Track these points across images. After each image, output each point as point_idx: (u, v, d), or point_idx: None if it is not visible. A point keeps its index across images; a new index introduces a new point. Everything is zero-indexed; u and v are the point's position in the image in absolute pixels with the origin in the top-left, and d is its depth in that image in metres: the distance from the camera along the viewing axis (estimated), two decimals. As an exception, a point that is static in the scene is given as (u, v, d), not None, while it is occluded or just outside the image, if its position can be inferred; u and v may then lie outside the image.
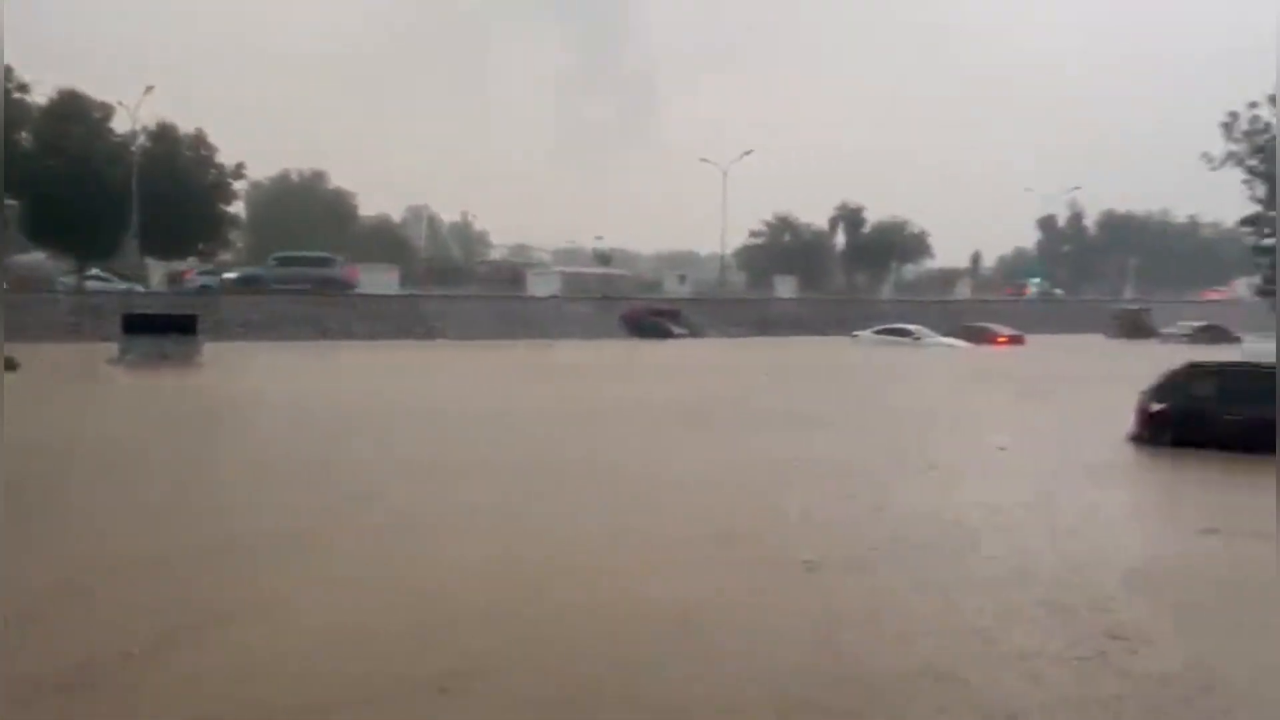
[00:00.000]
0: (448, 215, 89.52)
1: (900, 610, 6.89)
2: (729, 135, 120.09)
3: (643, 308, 49.42)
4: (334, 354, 32.98)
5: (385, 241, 68.23)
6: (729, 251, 77.11)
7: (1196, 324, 47.93)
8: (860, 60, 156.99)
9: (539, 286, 54.41)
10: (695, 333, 48.35)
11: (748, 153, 66.28)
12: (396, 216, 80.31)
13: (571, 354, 35.71)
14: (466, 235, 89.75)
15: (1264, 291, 45.42)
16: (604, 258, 79.62)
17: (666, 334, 46.47)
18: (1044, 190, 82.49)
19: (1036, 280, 76.43)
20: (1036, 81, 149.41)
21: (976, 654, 6.06)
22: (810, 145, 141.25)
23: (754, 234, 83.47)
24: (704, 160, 68.07)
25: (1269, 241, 44.26)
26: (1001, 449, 14.04)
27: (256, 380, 24.35)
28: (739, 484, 11.46)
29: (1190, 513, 10.62)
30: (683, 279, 65.18)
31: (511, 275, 60.07)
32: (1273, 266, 43.98)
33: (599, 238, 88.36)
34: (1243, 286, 60.97)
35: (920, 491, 11.17)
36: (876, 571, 7.88)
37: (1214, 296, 74.66)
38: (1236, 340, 45.50)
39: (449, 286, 52.71)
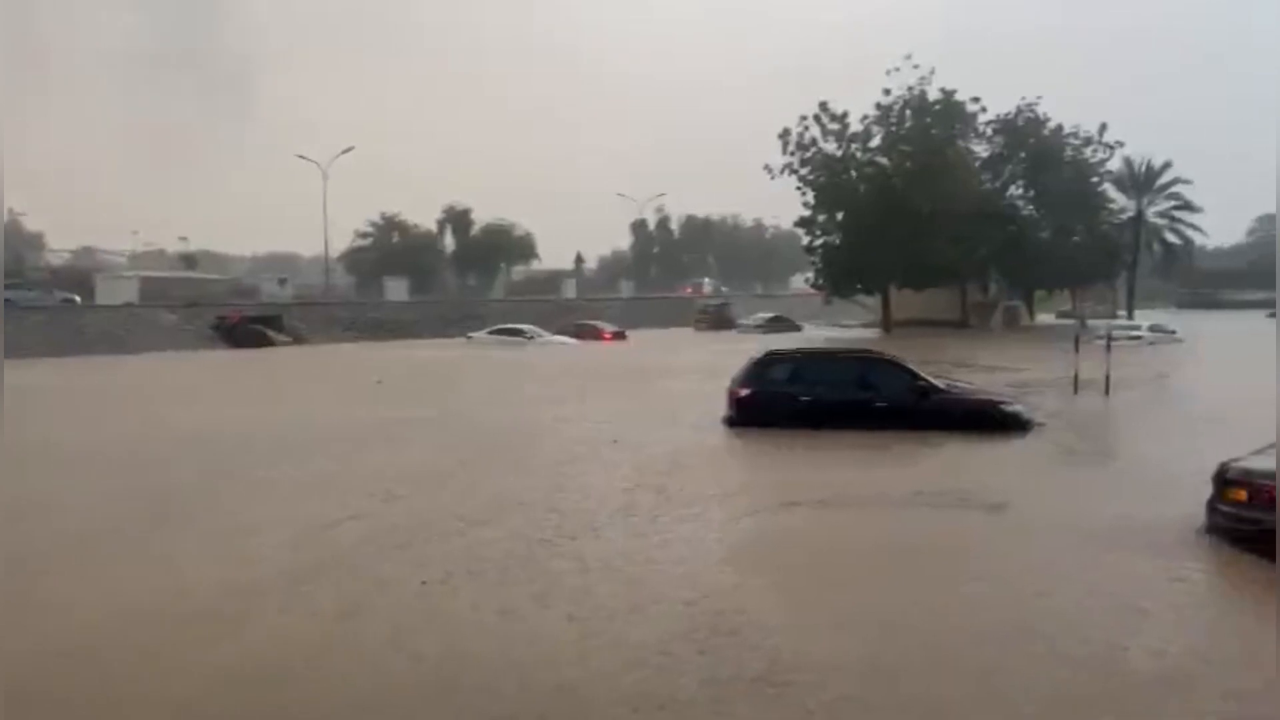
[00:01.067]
0: (-12, 214, 75.51)
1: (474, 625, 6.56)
2: (331, 132, 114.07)
3: (238, 314, 45.21)
4: None
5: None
6: (334, 254, 73.61)
7: (767, 316, 54.01)
8: (470, 61, 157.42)
9: (110, 293, 47.74)
10: (299, 339, 45.21)
11: (347, 150, 63.29)
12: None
13: (132, 372, 31.44)
14: (15, 238, 76.38)
15: (817, 285, 52.41)
16: (190, 261, 72.20)
17: (266, 342, 42.93)
18: (637, 196, 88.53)
19: (699, 283, 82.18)
20: (632, 93, 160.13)
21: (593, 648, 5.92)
22: (418, 145, 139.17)
23: (360, 235, 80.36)
24: (301, 157, 64.17)
25: (819, 242, 51.05)
26: (615, 441, 14.39)
27: None
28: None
29: (775, 488, 11.44)
30: (283, 282, 60.90)
31: (78, 281, 52.06)
32: (823, 262, 50.96)
33: (183, 239, 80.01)
34: (800, 281, 69.94)
35: (526, 482, 11.13)
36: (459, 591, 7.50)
37: (780, 292, 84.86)
38: (798, 328, 52.14)
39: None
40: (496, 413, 18.50)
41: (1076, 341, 21.06)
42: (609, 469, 12.35)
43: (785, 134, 49.57)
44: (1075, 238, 52.31)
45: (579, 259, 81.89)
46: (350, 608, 6.99)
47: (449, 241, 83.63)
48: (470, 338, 44.54)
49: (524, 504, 10.24)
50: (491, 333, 44.51)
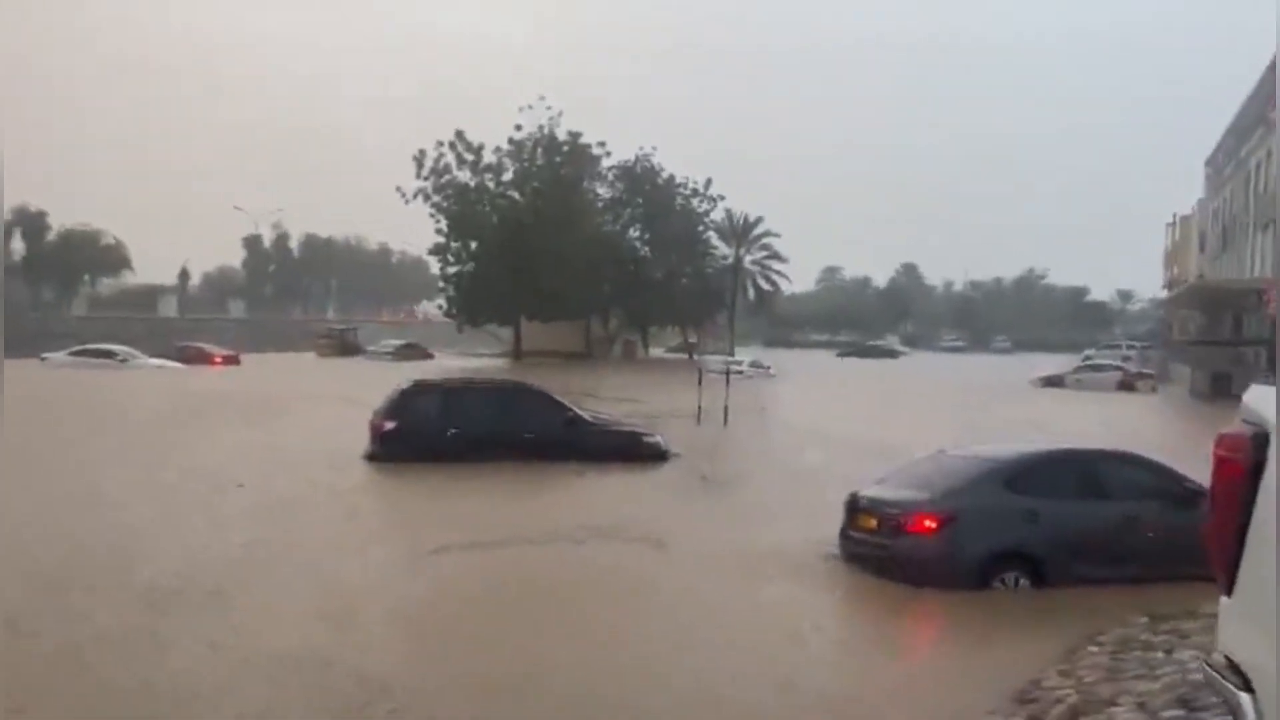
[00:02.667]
0: None
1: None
2: None
3: None
4: None
5: None
6: None
7: (398, 343, 52.43)
8: (66, 50, 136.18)
9: None
10: None
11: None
12: None
13: None
14: None
15: (449, 313, 52.00)
16: None
17: None
18: (254, 210, 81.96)
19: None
20: (253, 96, 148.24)
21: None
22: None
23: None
24: None
25: (453, 270, 50.72)
26: (241, 485, 12.76)
27: None
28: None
29: (425, 530, 10.74)
30: None
31: None
32: (456, 290, 50.67)
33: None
34: (432, 308, 69.03)
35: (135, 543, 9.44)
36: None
37: (404, 318, 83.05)
38: (431, 356, 51.18)
39: None
40: (78, 451, 15.69)
41: (700, 375, 22.61)
42: (226, 519, 10.89)
43: (420, 156, 48.87)
44: (684, 279, 57.09)
45: (184, 273, 73.95)
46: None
47: (18, 247, 71.51)
48: (45, 359, 38.07)
49: (125, 567, 8.60)
50: (74, 354, 38.49)
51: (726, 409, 21.44)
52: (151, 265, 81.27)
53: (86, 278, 76.15)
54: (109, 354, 38.51)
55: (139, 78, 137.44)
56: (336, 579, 8.55)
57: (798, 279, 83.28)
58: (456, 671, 6.31)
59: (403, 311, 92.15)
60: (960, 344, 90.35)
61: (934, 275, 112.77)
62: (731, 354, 55.22)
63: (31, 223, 71.01)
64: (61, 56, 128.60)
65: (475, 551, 9.65)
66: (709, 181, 58.69)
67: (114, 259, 76.89)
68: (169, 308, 67.78)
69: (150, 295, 72.04)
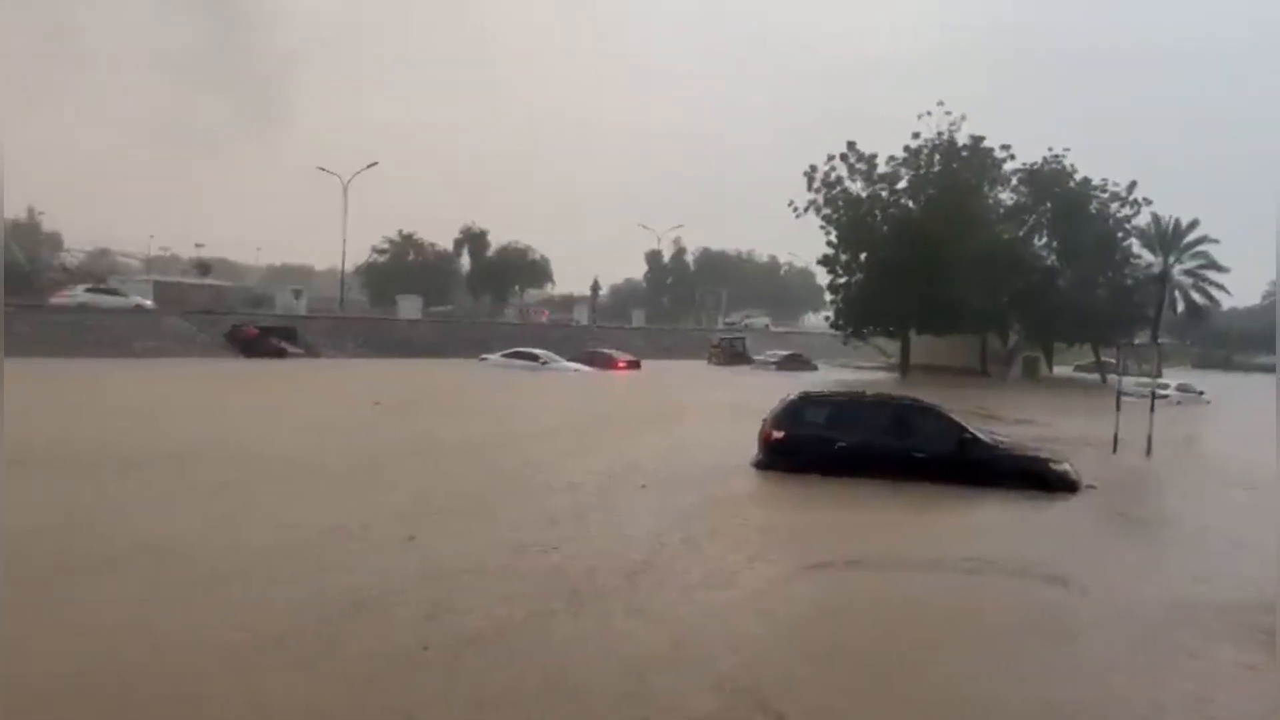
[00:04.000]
0: (10, 212, 75.43)
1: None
2: (352, 142, 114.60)
3: (254, 328, 44.71)
4: None
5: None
6: (350, 268, 73.25)
7: (783, 353, 53.34)
8: (499, 87, 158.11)
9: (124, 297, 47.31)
10: (312, 352, 44.72)
11: (372, 165, 63.24)
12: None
13: (132, 377, 30.89)
14: (33, 237, 76.20)
15: (836, 325, 51.74)
16: (204, 267, 71.83)
17: (279, 353, 42.45)
18: (657, 227, 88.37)
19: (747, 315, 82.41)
20: (656, 124, 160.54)
21: None
22: (439, 164, 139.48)
23: (377, 251, 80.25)
24: (323, 170, 64.07)
25: (840, 281, 50.51)
26: (644, 486, 13.69)
27: None
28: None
29: (807, 543, 10.81)
30: (298, 294, 60.42)
31: (96, 282, 51.64)
32: (843, 302, 50.41)
33: (199, 245, 79.72)
34: (816, 320, 69.33)
35: (553, 532, 10.41)
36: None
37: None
38: (814, 367, 51.48)
39: (11, 295, 43.77)
40: (510, 447, 17.81)
41: (1118, 399, 20.39)
42: (636, 516, 11.71)
43: (811, 171, 49.28)
44: (1098, 290, 51.70)
45: (595, 285, 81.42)
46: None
47: (464, 261, 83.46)
48: (484, 359, 44.00)
49: (547, 549, 9.58)
50: (505, 355, 43.96)
51: (1150, 438, 19.12)
52: (569, 278, 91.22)
53: (516, 288, 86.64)
54: (533, 356, 43.44)
55: (547, 114, 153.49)
56: (722, 583, 8.89)
57: (1240, 292, 71.56)
58: (837, 687, 6.22)
59: (787, 322, 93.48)
60: None
61: None
62: (1157, 375, 49.08)
63: (476, 240, 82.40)
64: (496, 100, 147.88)
65: (857, 571, 9.52)
66: (1133, 184, 52.76)
67: (539, 272, 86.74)
68: (583, 316, 74.95)
69: (568, 305, 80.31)
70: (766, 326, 77.65)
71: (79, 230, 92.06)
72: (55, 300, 43.70)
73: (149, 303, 47.55)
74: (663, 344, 60.76)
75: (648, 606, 7.97)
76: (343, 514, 10.67)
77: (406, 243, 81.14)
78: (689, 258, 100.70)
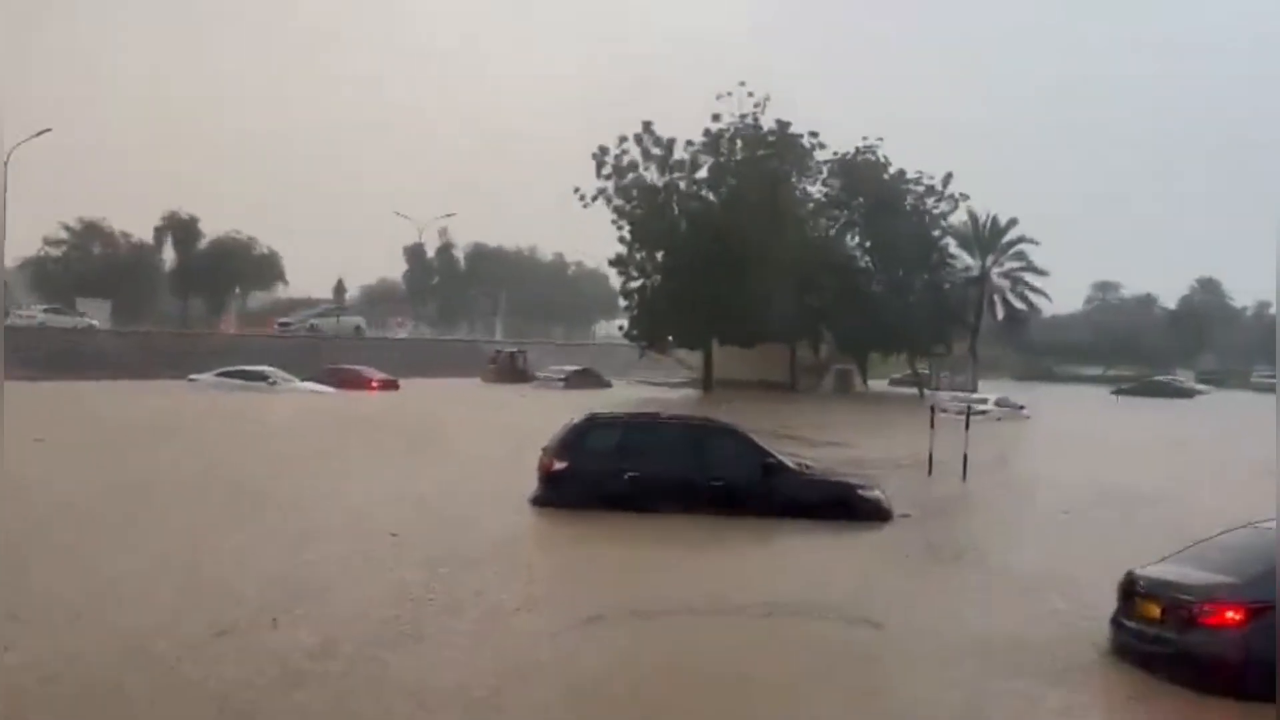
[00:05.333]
0: None
1: None
2: (14, 103, 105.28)
3: None
4: None
5: None
6: (12, 263, 67.64)
7: (571, 369, 53.93)
8: (196, 26, 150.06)
9: None
10: (-43, 374, 40.82)
11: (43, 132, 58.62)
12: None
13: None
14: None
15: (630, 335, 52.85)
16: None
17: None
18: (418, 217, 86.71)
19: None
20: (416, 93, 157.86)
21: None
22: (131, 135, 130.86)
23: (50, 243, 74.74)
24: (-32, 137, 58.59)
25: (635, 284, 51.65)
26: (394, 535, 13.44)
27: None
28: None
29: (584, 592, 11.02)
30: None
31: None
32: (638, 309, 51.56)
33: None
34: (609, 329, 70.59)
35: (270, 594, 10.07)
36: None
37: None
38: (607, 384, 52.30)
39: None
40: (219, 490, 16.98)
41: (932, 414, 21.95)
42: (381, 572, 11.49)
43: (601, 154, 50.12)
44: (914, 295, 55.38)
45: (340, 286, 79.12)
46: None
47: (169, 257, 79.03)
48: (194, 380, 41.73)
49: (266, 620, 9.25)
50: (222, 375, 41.89)
51: (966, 458, 20.73)
52: (306, 277, 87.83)
53: (237, 290, 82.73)
54: (259, 375, 41.63)
55: (291, 74, 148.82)
56: (477, 643, 8.96)
57: (1061, 298, 78.78)
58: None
59: (577, 332, 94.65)
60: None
61: (1243, 294, 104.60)
62: (973, 389, 53.22)
63: (183, 230, 77.95)
64: (207, 54, 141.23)
65: (636, 622, 9.76)
66: (948, 177, 57.10)
67: (267, 270, 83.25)
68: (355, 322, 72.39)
69: (302, 310, 77.48)
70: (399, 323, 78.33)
71: None
72: None
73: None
74: (427, 357, 59.87)
75: (385, 678, 7.85)
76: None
77: (91, 233, 75.88)
78: (458, 253, 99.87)
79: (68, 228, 75.13)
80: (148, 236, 78.13)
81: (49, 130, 58.39)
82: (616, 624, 9.67)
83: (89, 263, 74.16)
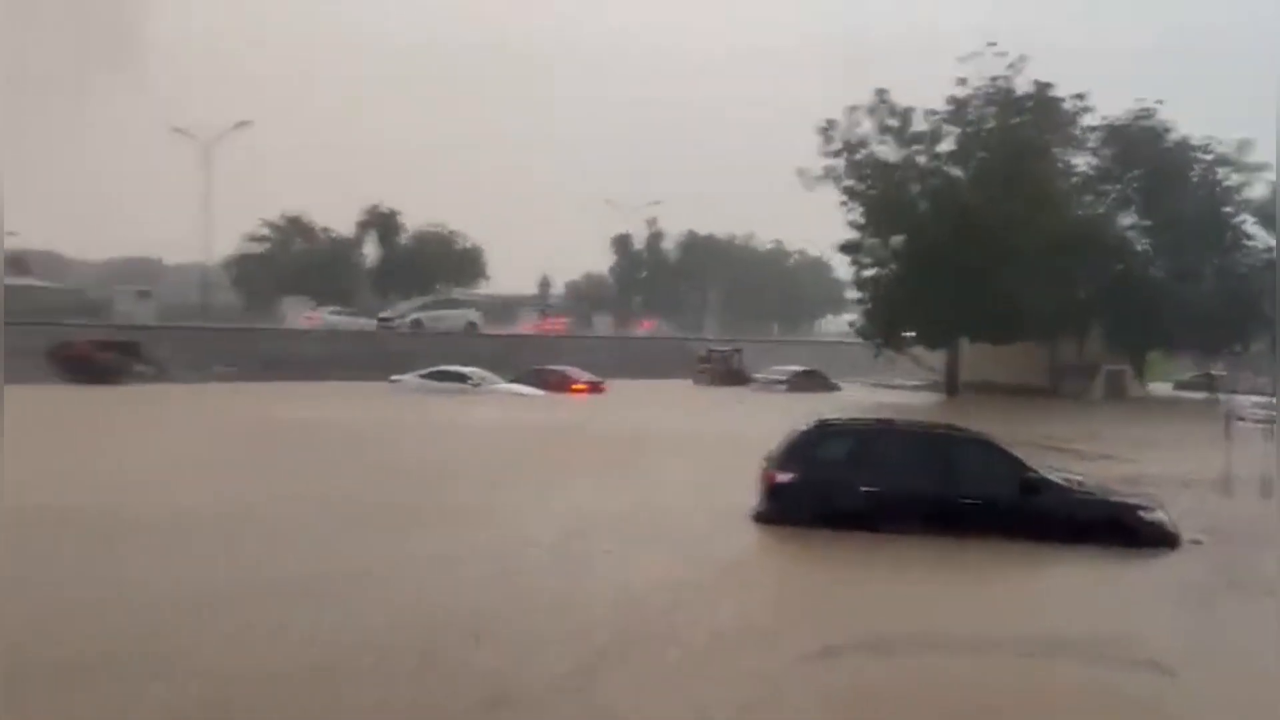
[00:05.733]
0: None
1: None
2: (216, 97, 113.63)
3: (84, 339, 44.29)
4: None
5: None
6: (215, 261, 72.84)
7: (794, 369, 53.61)
8: (406, 27, 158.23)
9: (-98, 303, 46.69)
10: (162, 374, 44.36)
11: (243, 124, 63.17)
12: None
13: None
14: None
15: (862, 332, 51.99)
16: (19, 264, 71.17)
17: (117, 377, 42.06)
18: (626, 205, 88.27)
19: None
20: (621, 72, 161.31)
21: None
22: (333, 129, 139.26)
23: (252, 239, 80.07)
24: (178, 131, 63.71)
25: (869, 274, 50.76)
26: (608, 551, 13.68)
27: None
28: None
29: (814, 623, 10.87)
30: (144, 297, 60.02)
31: None
32: (872, 301, 50.68)
33: (11, 234, 78.89)
34: (838, 324, 69.59)
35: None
36: None
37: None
38: (835, 387, 51.74)
39: None
40: (425, 494, 17.76)
41: (1226, 424, 20.69)
42: (594, 589, 11.70)
43: (828, 127, 49.52)
44: (1203, 283, 52.34)
45: (544, 282, 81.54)
46: None
47: (370, 252, 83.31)
48: (395, 381, 43.91)
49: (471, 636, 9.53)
50: (424, 376, 43.91)
51: (1270, 477, 19.38)
52: (508, 271, 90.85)
53: (439, 286, 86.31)
54: (461, 377, 43.39)
55: (491, 61, 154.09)
56: (695, 673, 8.97)
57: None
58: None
59: (798, 328, 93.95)
60: None
61: None
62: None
63: (385, 224, 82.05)
64: (407, 43, 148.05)
65: (874, 658, 9.57)
66: (1244, 143, 53.56)
67: (469, 265, 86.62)
68: (529, 322, 74.94)
69: (509, 307, 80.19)
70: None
71: None
72: None
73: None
74: (634, 358, 60.87)
75: (602, 706, 7.94)
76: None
77: (293, 228, 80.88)
78: (668, 245, 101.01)
79: (269, 224, 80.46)
80: (350, 231, 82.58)
81: (250, 122, 63.15)
82: (852, 658, 9.52)
83: (291, 259, 78.86)
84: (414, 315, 61.90)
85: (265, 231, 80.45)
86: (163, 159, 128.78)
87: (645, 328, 79.26)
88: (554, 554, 13.34)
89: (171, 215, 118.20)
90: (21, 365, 41.32)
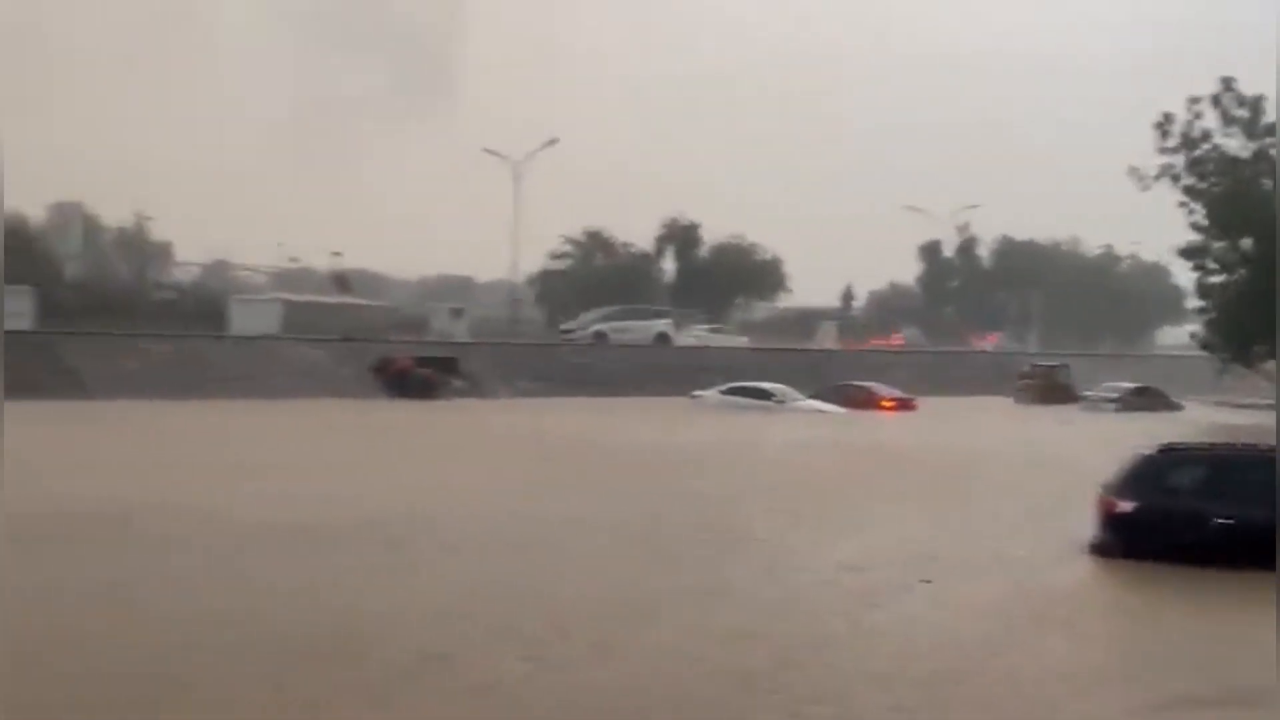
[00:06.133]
0: (112, 218, 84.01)
1: None
2: (524, 128, 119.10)
3: (408, 359, 47.48)
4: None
5: (17, 253, 63.06)
6: (522, 278, 76.55)
7: (1127, 386, 51.00)
8: (702, 38, 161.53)
9: (247, 321, 51.62)
10: (476, 389, 46.96)
11: (551, 142, 65.93)
12: (35, 218, 74.70)
13: (286, 423, 33.40)
14: (139, 246, 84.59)
15: (1207, 345, 48.82)
16: (343, 282, 76.94)
17: (436, 393, 44.79)
18: (934, 209, 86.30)
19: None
20: (927, 66, 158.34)
21: None
22: (631, 143, 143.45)
23: (555, 256, 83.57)
24: (490, 152, 67.22)
25: (1214, 280, 47.67)
26: (927, 581, 13.49)
27: None
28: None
29: (1158, 671, 10.29)
30: (458, 314, 63.67)
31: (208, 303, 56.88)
32: (1217, 311, 47.52)
33: (336, 254, 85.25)
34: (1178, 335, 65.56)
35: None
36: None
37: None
38: (1177, 407, 48.82)
39: (104, 320, 48.84)
40: (746, 511, 18.00)
41: None
42: (914, 619, 11.55)
43: (1165, 122, 46.96)
44: None
45: (847, 294, 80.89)
46: None
47: (669, 266, 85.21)
48: (696, 397, 44.69)
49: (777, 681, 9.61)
50: (726, 392, 44.49)
51: None
52: (810, 284, 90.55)
53: (740, 300, 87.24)
54: (764, 394, 43.70)
55: (792, 67, 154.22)
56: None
57: None
58: None
59: (1132, 341, 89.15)
60: None
61: None
62: None
63: (683, 237, 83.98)
64: (699, 53, 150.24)
65: (1235, 711, 9.05)
66: None
67: (769, 277, 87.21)
68: (828, 335, 74.44)
69: (807, 321, 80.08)
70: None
71: (193, 238, 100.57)
72: None
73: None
74: (945, 374, 59.51)
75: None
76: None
77: (594, 243, 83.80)
78: (982, 251, 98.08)
79: (571, 239, 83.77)
80: (648, 245, 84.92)
81: (557, 140, 65.90)
82: (1212, 712, 9.04)
83: (591, 274, 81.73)
84: (596, 327, 59.66)
85: (567, 248, 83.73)
86: (474, 178, 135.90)
87: (990, 341, 77.11)
88: (869, 583, 13.25)
89: (482, 233, 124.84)
90: (347, 380, 45.00)
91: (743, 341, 68.48)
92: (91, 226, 78.95)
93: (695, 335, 65.14)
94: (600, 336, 57.95)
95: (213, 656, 9.42)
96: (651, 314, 63.17)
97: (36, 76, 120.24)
